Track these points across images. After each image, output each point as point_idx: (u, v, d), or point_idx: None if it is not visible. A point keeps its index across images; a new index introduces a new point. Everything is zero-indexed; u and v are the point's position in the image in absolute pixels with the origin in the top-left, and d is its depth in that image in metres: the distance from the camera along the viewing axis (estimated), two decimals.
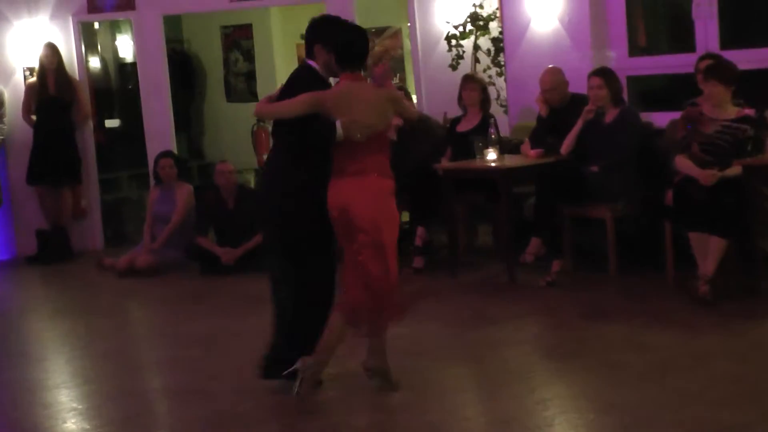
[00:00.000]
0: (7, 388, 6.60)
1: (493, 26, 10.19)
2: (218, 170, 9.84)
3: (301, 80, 5.85)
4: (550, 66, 8.84)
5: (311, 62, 5.87)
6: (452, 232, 8.76)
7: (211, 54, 14.28)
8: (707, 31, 8.69)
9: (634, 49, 9.31)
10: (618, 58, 9.16)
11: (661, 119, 8.62)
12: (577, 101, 8.49)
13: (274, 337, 6.00)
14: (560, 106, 8.68)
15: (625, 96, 8.68)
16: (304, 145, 5.78)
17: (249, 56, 13.85)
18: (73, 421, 5.89)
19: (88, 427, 5.79)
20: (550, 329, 7.16)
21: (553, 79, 8.71)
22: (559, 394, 5.76)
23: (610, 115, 8.25)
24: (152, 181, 10.58)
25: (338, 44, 5.77)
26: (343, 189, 5.74)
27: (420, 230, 9.06)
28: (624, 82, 8.80)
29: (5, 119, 11.08)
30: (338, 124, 5.69)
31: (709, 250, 7.25)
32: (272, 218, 5.93)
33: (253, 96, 13.82)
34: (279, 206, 5.86)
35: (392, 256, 5.79)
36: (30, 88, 11.05)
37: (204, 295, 8.97)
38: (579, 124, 8.32)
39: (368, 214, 5.72)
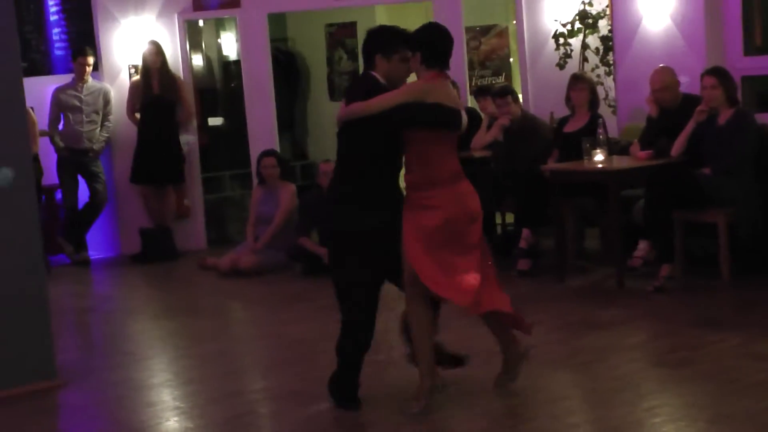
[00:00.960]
0: (113, 387, 6.63)
1: (603, 24, 10.03)
2: (322, 170, 9.80)
3: (366, 88, 5.74)
4: (661, 65, 8.63)
5: (373, 72, 5.78)
6: (559, 235, 8.60)
7: (315, 53, 14.28)
8: None
9: (750, 48, 9.05)
10: (733, 57, 8.91)
11: None
12: (690, 102, 8.27)
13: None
14: (672, 106, 8.46)
15: (740, 97, 8.42)
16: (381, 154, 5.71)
17: (353, 55, 13.80)
18: (176, 419, 5.92)
19: (191, 426, 5.81)
20: (660, 336, 6.98)
21: (664, 79, 8.49)
22: (668, 402, 5.61)
23: (724, 116, 8.01)
24: (255, 181, 10.58)
25: (424, 43, 5.69)
26: (454, 197, 5.69)
27: (525, 232, 8.91)
28: (739, 82, 8.54)
29: (111, 118, 11.19)
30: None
31: None
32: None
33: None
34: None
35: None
36: (134, 87, 11.14)
37: (306, 296, 8.94)
38: (691, 125, 8.10)
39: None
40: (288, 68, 14.14)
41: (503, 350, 5.98)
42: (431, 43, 5.70)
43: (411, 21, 13.66)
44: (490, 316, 5.88)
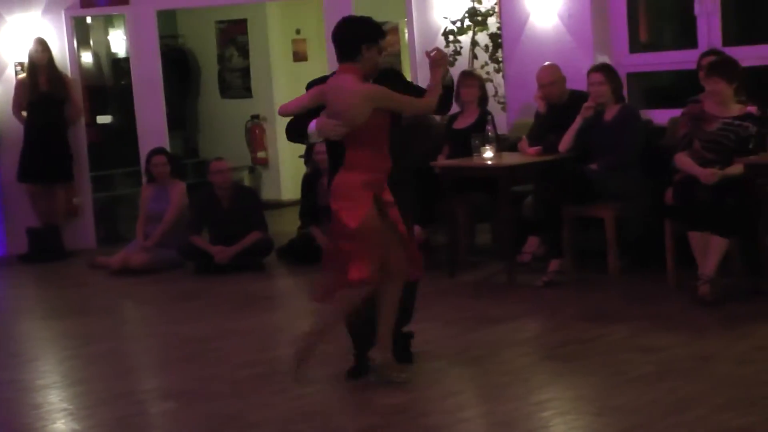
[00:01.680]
0: None
1: (492, 22, 10.12)
2: (213, 168, 9.73)
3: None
4: (548, 62, 8.74)
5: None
6: (451, 231, 8.66)
7: (205, 50, 14.18)
8: (710, 27, 8.59)
9: (636, 45, 9.21)
10: (619, 54, 9.06)
11: (662, 117, 8.54)
12: (577, 98, 8.40)
13: None
14: (559, 102, 8.58)
15: (626, 93, 8.57)
16: None
17: (244, 52, 13.74)
18: (63, 422, 5.81)
19: (78, 428, 5.72)
20: (550, 330, 7.07)
21: (551, 74, 8.61)
22: (558, 395, 5.68)
23: (611, 112, 8.15)
24: (145, 179, 10.46)
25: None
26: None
27: (417, 229, 8.92)
28: (624, 78, 8.69)
29: None
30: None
31: (710, 250, 7.16)
32: None
33: (247, 92, 13.73)
34: None
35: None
36: (21, 85, 10.94)
37: (198, 294, 8.87)
38: (578, 121, 8.22)
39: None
40: (179, 65, 14.01)
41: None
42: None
43: (302, 18, 13.72)
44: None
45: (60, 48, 11.06)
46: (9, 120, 11.00)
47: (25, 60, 10.94)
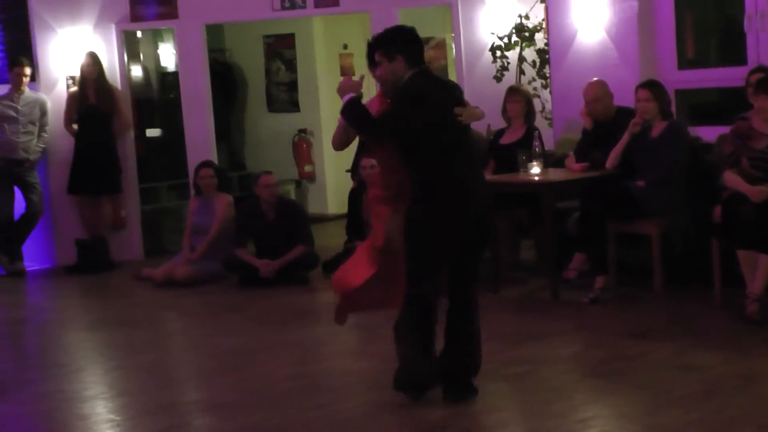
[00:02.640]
0: (45, 399, 6.56)
1: (539, 37, 10.10)
2: (262, 182, 9.77)
3: None
4: (594, 78, 8.71)
5: None
6: (494, 246, 8.64)
7: (252, 64, 14.25)
8: (759, 44, 8.52)
9: (683, 62, 9.16)
10: (666, 70, 9.00)
11: (710, 134, 8.47)
12: (624, 114, 8.36)
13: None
14: (605, 119, 8.55)
15: (674, 110, 8.53)
16: None
17: (291, 66, 13.80)
18: None
19: None
20: (593, 347, 7.02)
21: (596, 91, 8.58)
22: (601, 413, 5.65)
23: (657, 129, 8.11)
24: (192, 192, 10.53)
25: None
26: None
27: None
28: (672, 95, 8.64)
29: (48, 128, 11.09)
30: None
31: (758, 269, 7.10)
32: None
33: (294, 106, 13.78)
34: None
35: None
36: (71, 98, 11.06)
37: (242, 307, 8.91)
38: (625, 138, 8.19)
39: None
40: (226, 79, 14.10)
41: None
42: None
43: (349, 33, 13.76)
44: None
45: (110, 61, 11.17)
46: (60, 133, 11.11)
47: (76, 73, 11.06)
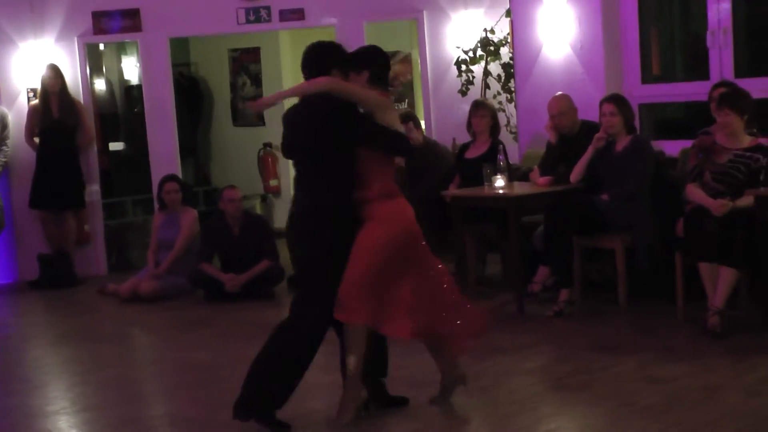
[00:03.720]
0: (8, 415, 6.50)
1: (504, 52, 10.16)
2: (226, 197, 9.75)
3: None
4: (559, 92, 8.76)
5: None
6: (461, 260, 8.65)
7: (218, 77, 14.24)
8: (721, 60, 8.60)
9: (648, 77, 9.22)
10: (631, 85, 9.07)
11: (674, 148, 8.54)
12: (589, 129, 8.40)
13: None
14: (570, 133, 8.59)
15: (638, 124, 8.58)
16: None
17: (257, 80, 13.79)
18: None
19: None
20: (558, 360, 7.04)
21: (561, 105, 8.61)
22: (565, 425, 5.69)
23: (622, 143, 8.14)
24: (157, 206, 10.49)
25: (373, 63, 5.90)
26: (407, 208, 5.91)
27: None
28: (636, 109, 8.70)
29: (8, 142, 11.00)
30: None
31: (719, 282, 7.14)
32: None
33: (260, 120, 13.76)
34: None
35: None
36: (33, 111, 10.98)
37: (207, 322, 8.87)
38: (589, 152, 8.22)
39: None
40: (191, 93, 14.07)
41: (441, 372, 6.05)
42: (380, 63, 5.91)
43: None
44: (428, 338, 5.96)
45: (72, 74, 11.12)
46: (21, 146, 11.03)
47: (38, 86, 10.99)
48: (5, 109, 11.02)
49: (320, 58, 5.86)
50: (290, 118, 5.91)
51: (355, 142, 5.71)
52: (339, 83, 5.74)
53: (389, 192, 5.83)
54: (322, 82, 5.73)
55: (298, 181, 5.90)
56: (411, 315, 5.79)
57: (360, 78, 5.82)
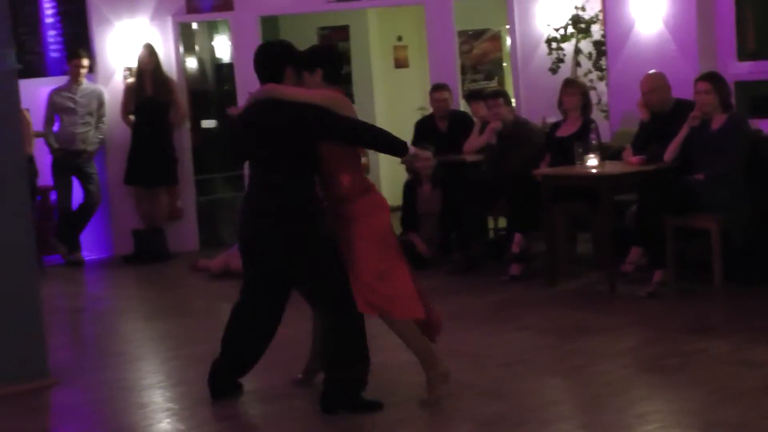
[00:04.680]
0: (105, 387, 6.64)
1: (595, 29, 10.05)
2: None
3: None
4: (653, 70, 8.63)
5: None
6: (551, 239, 8.61)
7: None
8: None
9: (744, 53, 9.04)
10: (726, 62, 8.91)
11: None
12: (683, 107, 8.27)
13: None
14: (663, 111, 8.47)
15: (733, 102, 8.43)
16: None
17: (345, 58, 13.81)
18: (168, 421, 5.93)
19: (182, 427, 5.83)
20: (651, 342, 6.96)
21: (652, 82, 8.47)
22: (660, 408, 5.59)
23: (717, 122, 8.02)
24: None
25: (326, 61, 5.94)
26: (384, 199, 5.99)
27: (517, 237, 8.92)
28: (732, 87, 8.54)
29: (105, 119, 11.19)
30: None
31: None
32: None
33: (348, 98, 13.75)
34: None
35: None
36: (128, 89, 11.15)
37: (297, 297, 8.89)
38: (684, 131, 8.11)
39: None
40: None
41: (424, 368, 5.96)
42: (333, 62, 5.97)
43: (403, 25, 13.75)
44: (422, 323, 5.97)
45: (166, 53, 11.25)
46: (116, 124, 11.21)
47: (133, 65, 11.15)
48: (102, 88, 11.20)
49: (273, 57, 5.88)
50: (249, 121, 5.89)
51: (333, 137, 5.73)
52: (282, 89, 5.75)
53: (366, 187, 5.87)
54: (266, 89, 5.77)
55: (260, 182, 5.89)
56: (417, 297, 5.86)
57: (314, 77, 5.85)
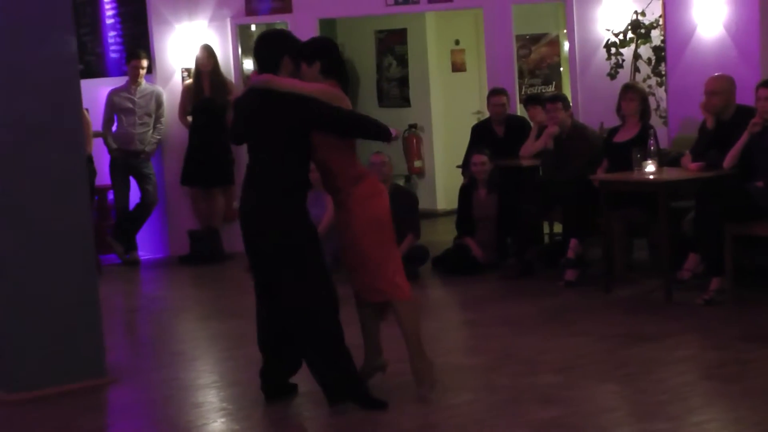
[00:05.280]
0: (160, 386, 6.70)
1: (655, 34, 9.99)
2: (372, 162, 9.72)
3: None
4: (719, 73, 8.51)
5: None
6: (607, 245, 8.56)
7: (364, 59, 14.31)
8: None
9: None
10: None
11: None
12: (744, 113, 8.17)
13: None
14: (725, 117, 8.37)
15: None
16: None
17: (402, 61, 13.83)
18: (222, 420, 5.97)
19: (237, 427, 5.87)
20: (709, 350, 6.91)
21: (717, 84, 8.32)
22: (717, 416, 5.56)
23: None
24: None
25: (324, 54, 5.99)
26: (379, 184, 6.17)
27: (573, 242, 8.87)
28: None
29: (163, 120, 11.28)
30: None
31: None
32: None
33: (405, 101, 13.81)
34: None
35: None
36: (186, 90, 11.22)
37: (351, 300, 8.91)
38: (744, 138, 8.01)
39: None
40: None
41: (414, 357, 6.07)
42: (331, 55, 6.01)
43: (461, 28, 13.73)
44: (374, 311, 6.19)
45: (224, 55, 11.33)
46: (175, 124, 11.30)
47: (192, 66, 11.23)
48: (160, 89, 11.30)
49: (271, 46, 5.94)
50: (244, 107, 5.98)
51: (321, 127, 5.81)
52: (279, 80, 5.81)
53: (360, 174, 5.99)
54: (263, 79, 5.83)
55: (257, 171, 5.98)
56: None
57: (312, 69, 5.91)
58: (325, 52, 5.99)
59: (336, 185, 5.97)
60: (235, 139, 6.28)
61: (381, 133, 6.08)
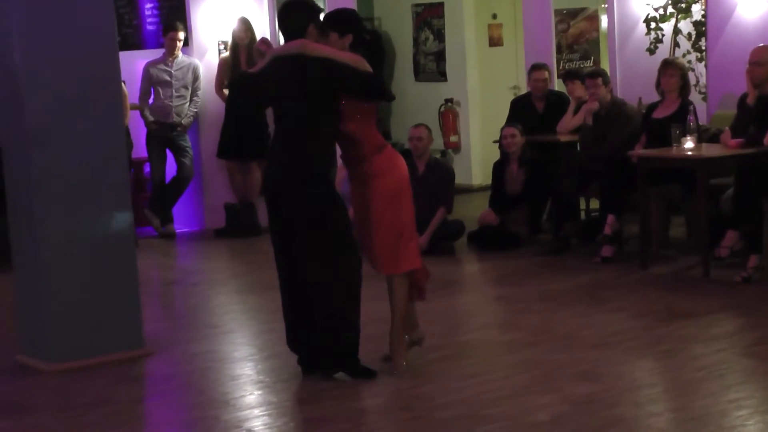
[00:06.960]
0: (197, 358, 6.73)
1: (696, 9, 9.90)
2: (412, 134, 9.67)
3: None
4: (764, 44, 8.40)
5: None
6: (645, 222, 8.51)
7: (401, 33, 14.27)
8: None
9: None
10: None
11: None
12: None
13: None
14: (765, 93, 8.29)
15: None
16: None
17: (439, 35, 13.77)
18: (259, 393, 6.01)
19: (274, 400, 5.89)
20: (746, 327, 6.88)
21: (760, 55, 8.22)
22: (754, 394, 5.54)
23: None
24: (339, 160, 10.57)
25: (357, 28, 6.10)
26: (398, 155, 6.19)
27: (610, 218, 8.83)
28: None
29: (200, 93, 11.29)
30: None
31: None
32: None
33: (441, 76, 13.76)
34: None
35: None
36: (223, 63, 11.22)
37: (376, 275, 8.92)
38: None
39: None
40: (373, 47, 14.11)
41: (397, 331, 6.22)
42: (363, 29, 6.13)
43: (498, 3, 13.65)
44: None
45: (261, 27, 11.31)
46: (211, 98, 11.31)
47: (228, 39, 11.23)
48: (197, 61, 11.31)
49: (296, 14, 5.95)
50: (273, 74, 5.96)
51: (336, 87, 5.83)
52: (314, 46, 5.84)
53: (380, 145, 6.02)
54: (296, 44, 5.83)
55: (283, 142, 5.97)
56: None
57: (343, 41, 5.95)
58: (358, 27, 6.06)
59: (362, 153, 5.99)
60: (256, 108, 6.33)
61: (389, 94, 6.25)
